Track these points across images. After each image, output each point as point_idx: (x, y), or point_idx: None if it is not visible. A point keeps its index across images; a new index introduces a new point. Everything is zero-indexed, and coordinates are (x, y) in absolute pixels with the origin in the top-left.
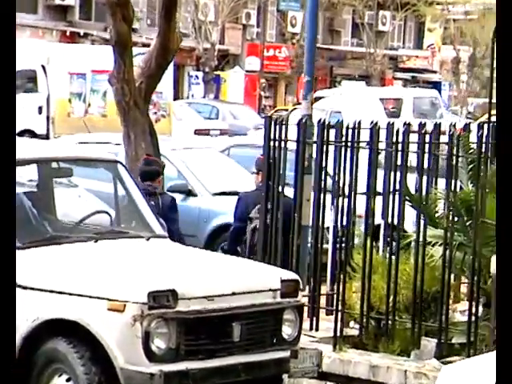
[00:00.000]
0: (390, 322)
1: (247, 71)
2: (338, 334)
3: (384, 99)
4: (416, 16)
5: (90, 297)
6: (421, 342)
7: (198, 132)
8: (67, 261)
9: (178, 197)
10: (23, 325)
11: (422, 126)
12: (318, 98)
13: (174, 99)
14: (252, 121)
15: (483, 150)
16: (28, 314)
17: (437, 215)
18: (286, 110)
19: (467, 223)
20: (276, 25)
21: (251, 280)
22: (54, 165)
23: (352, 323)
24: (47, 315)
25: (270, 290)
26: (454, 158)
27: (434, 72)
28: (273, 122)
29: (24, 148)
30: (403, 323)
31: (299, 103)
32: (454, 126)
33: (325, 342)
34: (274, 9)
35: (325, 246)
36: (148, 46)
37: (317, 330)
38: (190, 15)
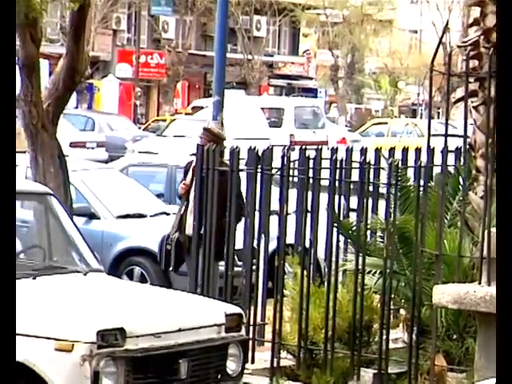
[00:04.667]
0: (326, 352)
1: (118, 79)
2: (275, 365)
3: (265, 109)
4: (292, 21)
5: (37, 337)
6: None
7: (73, 145)
8: None
9: (80, 220)
10: None
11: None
12: (196, 108)
13: None
14: (129, 132)
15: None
16: None
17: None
18: (164, 120)
19: (400, 251)
20: (147, 30)
21: (197, 315)
22: None
23: (284, 353)
24: None
25: (215, 325)
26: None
27: (310, 78)
28: (205, 151)
29: None
30: (337, 353)
31: (178, 113)
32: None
33: (259, 374)
34: (145, 13)
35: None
36: None
37: (252, 362)
38: (57, 20)
